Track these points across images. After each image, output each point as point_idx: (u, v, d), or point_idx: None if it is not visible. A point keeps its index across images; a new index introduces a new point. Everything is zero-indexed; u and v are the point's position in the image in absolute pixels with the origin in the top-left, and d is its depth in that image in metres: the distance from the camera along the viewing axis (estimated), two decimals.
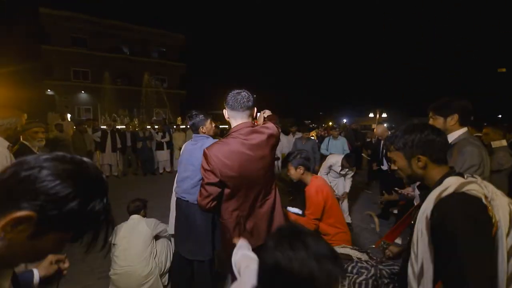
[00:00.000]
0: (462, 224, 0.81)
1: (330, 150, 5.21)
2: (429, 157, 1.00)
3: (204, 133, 2.24)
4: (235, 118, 1.50)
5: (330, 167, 3.89)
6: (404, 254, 1.10)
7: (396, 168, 1.10)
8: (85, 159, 0.53)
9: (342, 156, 3.79)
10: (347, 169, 3.78)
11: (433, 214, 0.87)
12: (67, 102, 17.89)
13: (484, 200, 0.83)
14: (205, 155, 1.44)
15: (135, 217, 2.34)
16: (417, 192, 2.47)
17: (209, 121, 2.29)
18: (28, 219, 0.43)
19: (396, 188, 2.77)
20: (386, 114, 20.63)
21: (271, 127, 1.55)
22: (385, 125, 5.04)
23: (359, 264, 1.25)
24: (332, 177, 3.98)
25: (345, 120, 24.40)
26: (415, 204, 2.20)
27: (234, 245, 1.46)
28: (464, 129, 1.68)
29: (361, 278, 1.19)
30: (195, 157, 2.25)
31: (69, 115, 13.31)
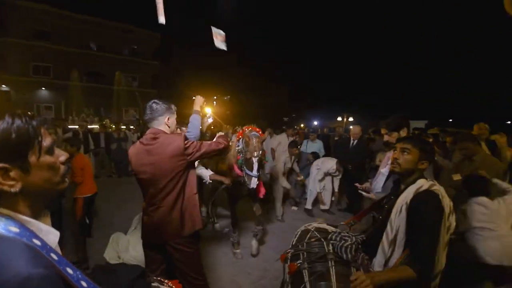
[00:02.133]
0: (431, 210, 1.28)
1: (308, 151, 5.59)
2: (428, 164, 1.42)
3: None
4: (150, 125, 1.72)
5: (327, 171, 4.51)
6: (372, 228, 1.54)
7: (399, 159, 1.43)
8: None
9: (336, 161, 4.50)
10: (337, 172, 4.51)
11: (411, 202, 1.32)
12: (26, 99, 16.56)
13: (440, 196, 1.31)
14: None
15: None
16: (376, 188, 3.00)
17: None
18: (3, 169, 0.54)
19: (356, 184, 3.25)
20: (352, 118, 22.19)
21: (176, 138, 1.64)
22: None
23: (341, 234, 1.55)
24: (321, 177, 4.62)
25: (316, 123, 25.47)
26: (371, 196, 2.69)
27: (149, 232, 1.74)
28: None
29: (347, 243, 1.46)
30: None
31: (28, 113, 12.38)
